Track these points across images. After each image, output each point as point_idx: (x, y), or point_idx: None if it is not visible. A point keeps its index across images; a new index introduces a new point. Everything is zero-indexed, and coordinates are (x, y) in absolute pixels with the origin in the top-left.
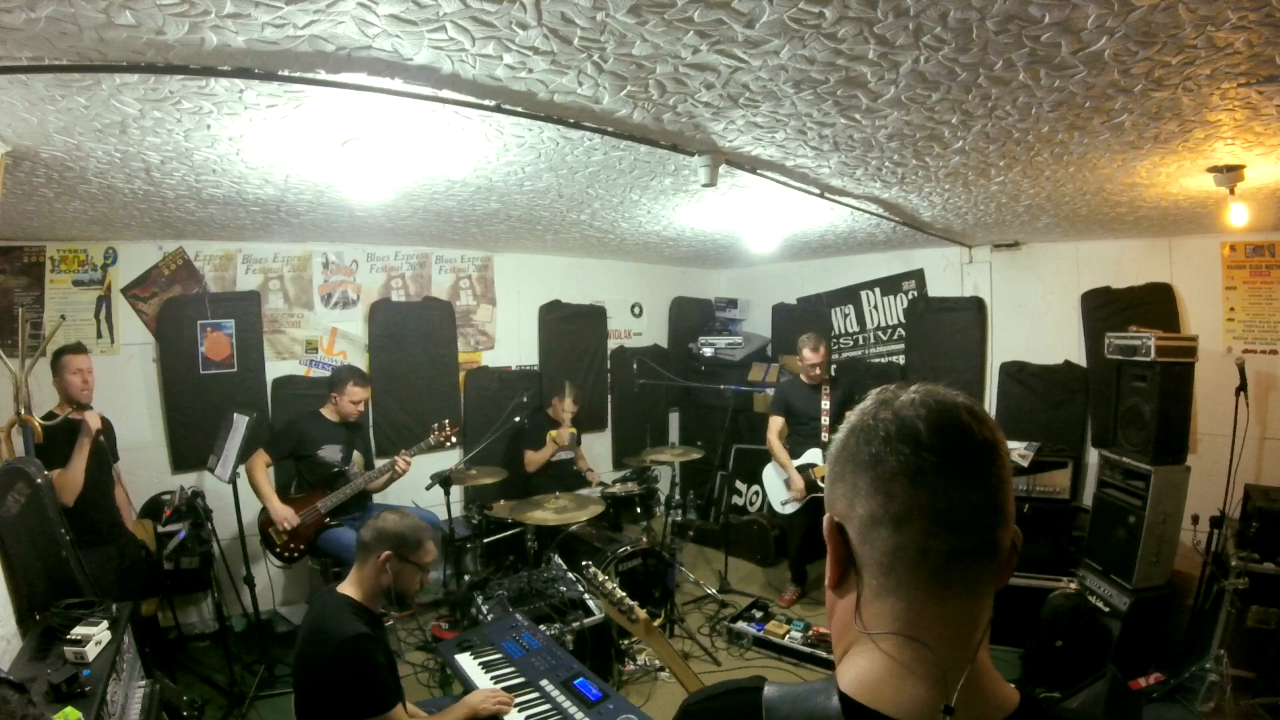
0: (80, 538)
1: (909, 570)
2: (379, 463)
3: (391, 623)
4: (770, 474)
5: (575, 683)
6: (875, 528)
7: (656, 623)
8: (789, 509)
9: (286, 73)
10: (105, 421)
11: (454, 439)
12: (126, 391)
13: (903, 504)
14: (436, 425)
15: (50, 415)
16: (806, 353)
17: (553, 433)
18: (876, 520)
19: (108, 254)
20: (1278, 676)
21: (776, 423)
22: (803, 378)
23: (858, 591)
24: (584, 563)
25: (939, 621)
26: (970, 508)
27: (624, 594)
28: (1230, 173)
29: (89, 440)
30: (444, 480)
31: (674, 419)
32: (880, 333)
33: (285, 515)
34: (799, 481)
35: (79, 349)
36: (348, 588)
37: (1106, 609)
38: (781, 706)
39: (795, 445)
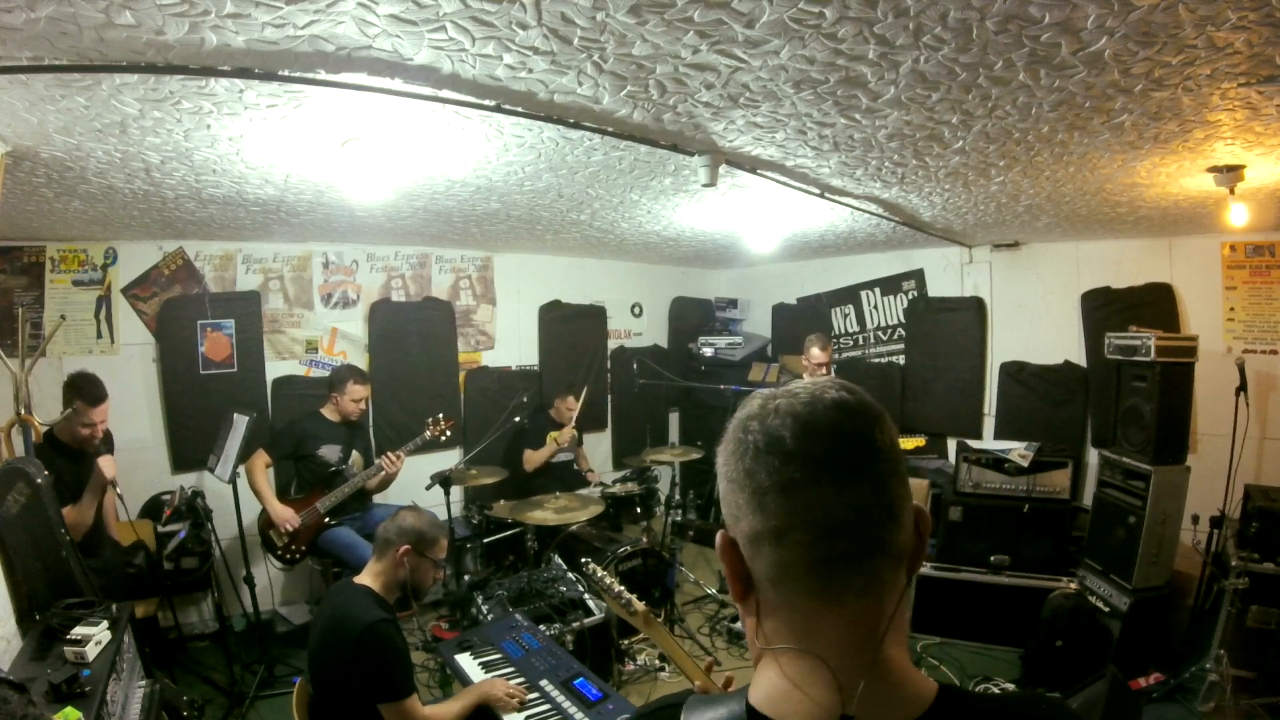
0: None
1: (798, 582)
2: (377, 461)
3: None
4: None
5: (575, 683)
6: (759, 543)
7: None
8: None
9: (286, 73)
10: (106, 433)
11: (448, 432)
12: (126, 391)
13: (780, 518)
14: (431, 419)
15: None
16: (815, 351)
17: (554, 433)
18: (759, 536)
19: (108, 254)
20: (1278, 676)
21: None
22: (806, 376)
23: (756, 607)
24: (583, 560)
25: (835, 629)
26: (852, 510)
27: (622, 588)
28: (1230, 173)
29: (103, 490)
30: (444, 480)
31: (674, 419)
32: (880, 333)
33: (286, 517)
34: None
35: (95, 398)
36: (365, 580)
37: (1106, 609)
38: (694, 714)
39: None
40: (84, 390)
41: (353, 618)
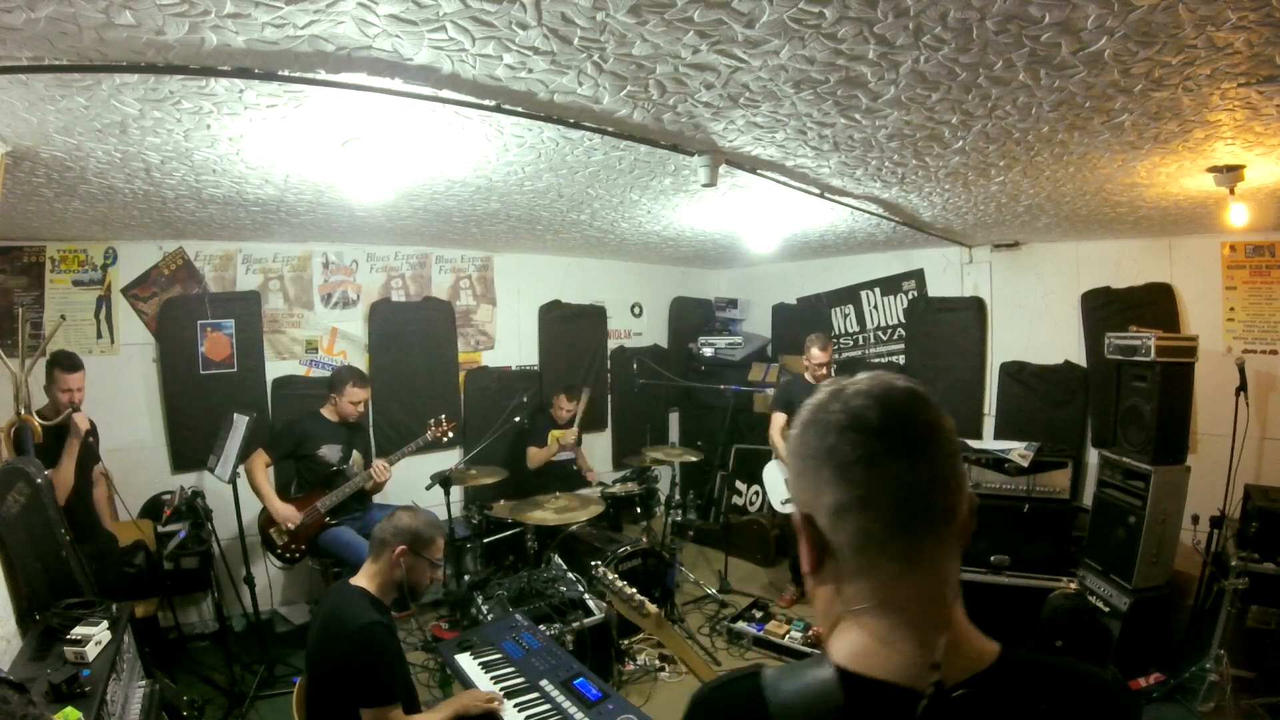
0: None
1: (879, 548)
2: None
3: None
4: (770, 472)
5: (575, 683)
6: (843, 514)
7: None
8: (789, 508)
9: (286, 73)
10: (90, 423)
11: (450, 434)
12: (126, 391)
13: (865, 488)
14: (433, 420)
15: (40, 415)
16: (815, 351)
17: (557, 432)
18: (843, 507)
19: (108, 254)
20: (1278, 676)
21: (779, 419)
22: (808, 376)
23: (836, 574)
24: (593, 563)
25: (913, 591)
26: (926, 482)
27: (634, 590)
28: (1230, 173)
29: (78, 441)
30: (444, 480)
31: (674, 419)
32: (880, 333)
33: (287, 514)
34: None
35: (72, 365)
36: (361, 580)
37: (1106, 609)
38: (781, 684)
39: None
40: (62, 360)
41: (346, 619)
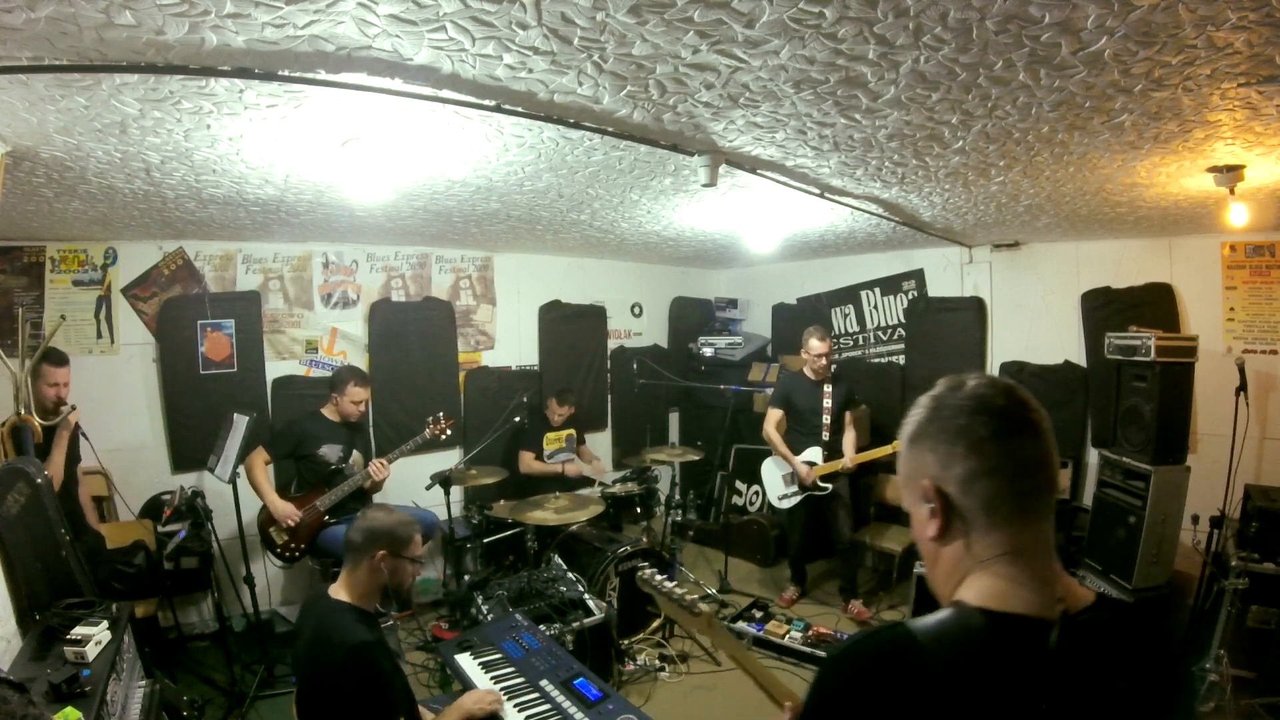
0: None
1: (1007, 508)
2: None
3: (391, 623)
4: (768, 469)
5: (575, 683)
6: (974, 480)
7: (657, 622)
8: (786, 504)
9: (286, 73)
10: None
11: (448, 431)
12: (126, 391)
13: (995, 459)
14: (432, 418)
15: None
16: (814, 342)
17: (550, 437)
18: (974, 474)
19: (108, 254)
20: (1278, 676)
21: (775, 415)
22: (807, 371)
23: (965, 533)
24: (641, 565)
25: (1033, 540)
26: (1040, 455)
27: (684, 590)
28: (1230, 173)
29: (68, 432)
30: (444, 480)
31: (674, 419)
32: (880, 333)
33: (287, 512)
34: (803, 467)
35: (59, 360)
36: (340, 591)
37: None
38: (927, 627)
39: (795, 443)
40: (50, 355)
41: (335, 641)
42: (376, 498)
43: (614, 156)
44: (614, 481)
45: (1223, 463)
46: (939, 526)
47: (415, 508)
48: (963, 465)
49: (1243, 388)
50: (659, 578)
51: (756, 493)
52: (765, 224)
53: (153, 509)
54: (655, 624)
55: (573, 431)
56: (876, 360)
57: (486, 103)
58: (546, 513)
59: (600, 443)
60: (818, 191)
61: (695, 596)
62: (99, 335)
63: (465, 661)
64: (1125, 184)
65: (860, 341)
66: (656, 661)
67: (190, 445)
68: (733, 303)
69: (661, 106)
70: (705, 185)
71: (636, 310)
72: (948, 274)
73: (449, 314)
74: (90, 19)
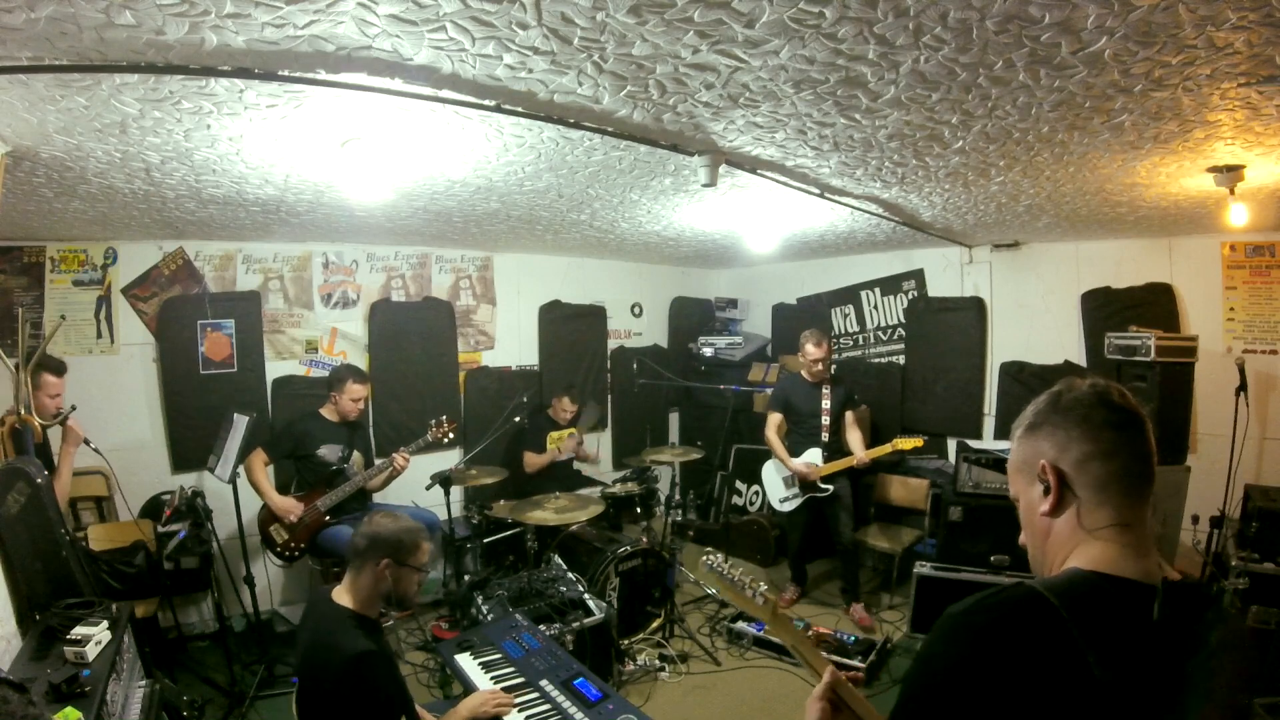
0: None
1: (1118, 486)
2: (379, 461)
3: (391, 623)
4: (769, 471)
5: (575, 683)
6: (1089, 461)
7: (657, 622)
8: (787, 507)
9: (286, 73)
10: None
11: (451, 434)
12: (126, 391)
13: (1111, 444)
14: (434, 421)
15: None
16: (810, 347)
17: (555, 434)
18: (1090, 456)
19: (108, 254)
20: (1278, 676)
21: (775, 419)
22: (804, 374)
23: (1077, 508)
24: (707, 550)
25: (1138, 516)
26: (1146, 445)
27: (750, 578)
28: (1230, 173)
29: (74, 449)
30: (444, 480)
31: (674, 419)
32: (880, 333)
33: (288, 508)
34: (803, 468)
35: (58, 369)
36: (343, 596)
37: None
38: (1054, 586)
39: (794, 444)
40: (48, 364)
41: (332, 649)
42: (377, 497)
43: (614, 156)
44: (614, 481)
45: (1223, 463)
46: (1053, 502)
47: (415, 508)
48: (1079, 448)
49: (1243, 388)
50: (726, 565)
51: (756, 493)
52: (765, 224)
53: (153, 509)
54: (655, 624)
55: (575, 431)
56: (877, 360)
57: (486, 103)
58: (546, 513)
59: (600, 443)
60: (818, 191)
61: (760, 584)
62: (99, 335)
63: (465, 661)
64: (1125, 184)
65: (860, 341)
66: (656, 661)
67: (190, 445)
68: (733, 303)
69: (661, 106)
70: (705, 185)
71: (636, 310)
72: (948, 274)
73: (449, 314)
74: (90, 19)
